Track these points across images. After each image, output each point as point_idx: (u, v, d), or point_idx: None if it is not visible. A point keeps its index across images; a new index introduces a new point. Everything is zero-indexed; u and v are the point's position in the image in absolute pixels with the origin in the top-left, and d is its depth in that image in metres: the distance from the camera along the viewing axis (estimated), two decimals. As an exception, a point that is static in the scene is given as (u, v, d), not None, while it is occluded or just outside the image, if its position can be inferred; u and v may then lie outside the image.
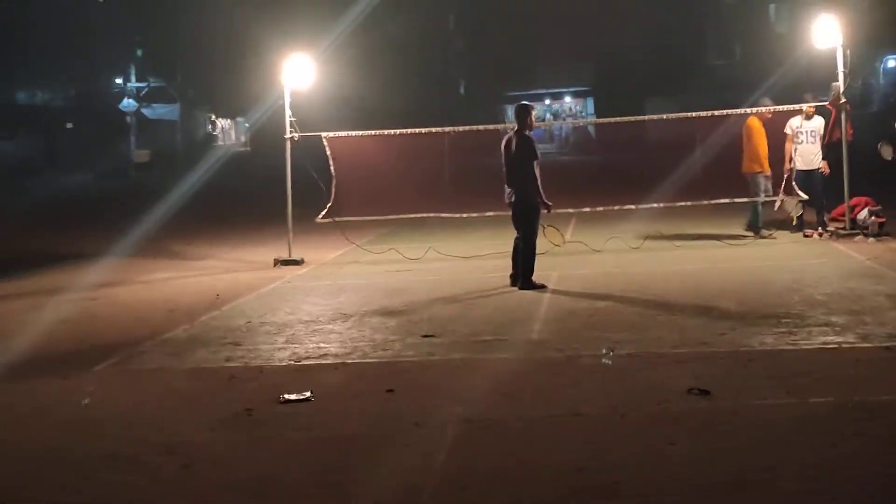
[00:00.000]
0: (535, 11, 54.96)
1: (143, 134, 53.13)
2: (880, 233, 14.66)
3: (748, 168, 15.48)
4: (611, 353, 8.34)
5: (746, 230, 15.69)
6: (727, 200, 15.92)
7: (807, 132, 15.37)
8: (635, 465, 5.78)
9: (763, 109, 15.60)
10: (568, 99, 66.95)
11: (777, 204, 15.64)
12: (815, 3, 24.05)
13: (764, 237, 15.32)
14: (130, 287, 13.91)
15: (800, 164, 15.38)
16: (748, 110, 16.01)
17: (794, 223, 15.73)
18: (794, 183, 15.30)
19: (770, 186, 15.42)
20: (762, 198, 15.40)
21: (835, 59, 15.16)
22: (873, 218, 14.81)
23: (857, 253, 13.42)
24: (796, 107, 15.51)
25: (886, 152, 14.52)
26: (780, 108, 15.61)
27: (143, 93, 54.24)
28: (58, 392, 8.22)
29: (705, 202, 16.26)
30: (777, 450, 5.92)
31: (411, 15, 46.15)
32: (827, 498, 5.20)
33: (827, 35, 15.24)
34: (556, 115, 65.34)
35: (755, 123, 15.48)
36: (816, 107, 15.44)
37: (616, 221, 17.04)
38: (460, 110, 50.96)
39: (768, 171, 15.35)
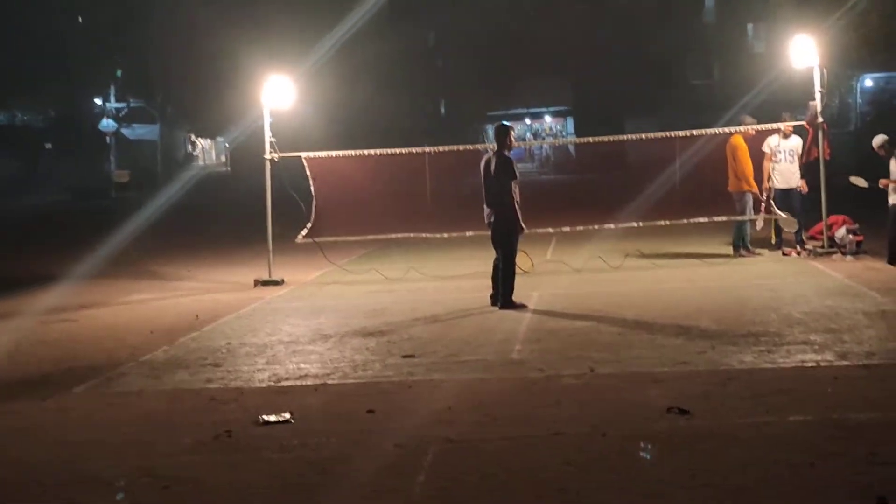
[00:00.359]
0: (515, 31, 55.19)
1: (123, 154, 53.04)
2: (858, 251, 14.77)
3: (735, 187, 15.47)
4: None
5: (736, 250, 15.60)
6: (706, 219, 16.00)
7: (785, 151, 15.49)
8: (615, 486, 5.79)
9: (747, 128, 15.68)
10: (548, 118, 67.18)
11: (759, 224, 15.73)
12: (792, 23, 24.21)
13: (752, 255, 15.35)
14: (110, 308, 13.85)
15: (778, 182, 15.49)
16: (731, 129, 16.08)
17: (773, 242, 15.83)
18: (772, 201, 15.39)
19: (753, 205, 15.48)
20: (749, 216, 15.44)
21: (812, 78, 15.29)
22: (851, 236, 14.92)
23: (835, 271, 13.51)
24: (774, 126, 15.63)
25: (860, 182, 14.65)
26: (759, 126, 15.71)
27: (123, 113, 54.19)
28: (37, 414, 8.18)
29: (685, 221, 16.31)
30: (755, 470, 5.94)
31: (392, 35, 46.26)
32: (806, 517, 5.23)
33: (804, 55, 15.39)
34: (536, 135, 65.52)
35: (740, 142, 15.53)
36: (794, 126, 15.57)
37: (596, 241, 17.11)
38: (441, 129, 51.11)
39: (756, 189, 15.40)
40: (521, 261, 13.77)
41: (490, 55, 55.16)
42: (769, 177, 15.51)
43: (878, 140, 14.21)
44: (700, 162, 16.92)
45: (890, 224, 13.89)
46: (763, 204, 15.51)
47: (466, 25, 52.45)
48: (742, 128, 15.73)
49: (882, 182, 14.00)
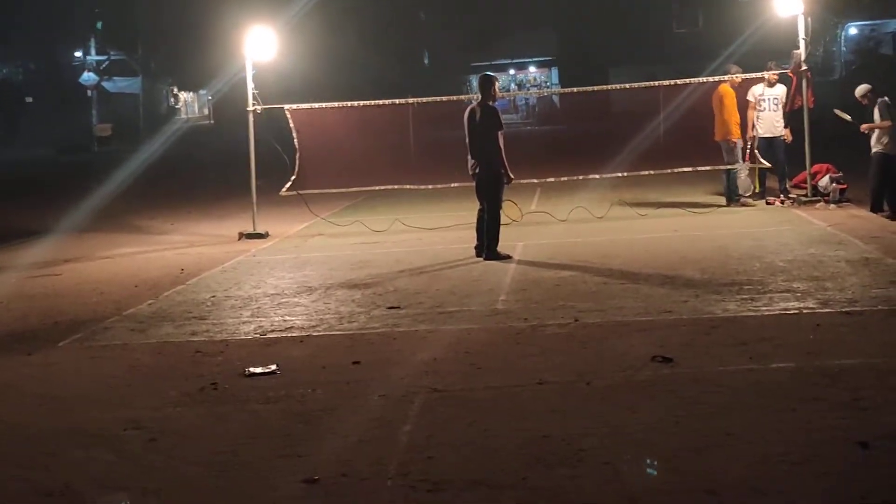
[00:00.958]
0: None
1: (105, 107, 52.62)
2: (841, 199, 14.82)
3: (722, 136, 15.40)
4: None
5: (729, 200, 15.53)
6: (690, 169, 16.01)
7: (769, 99, 15.47)
8: (599, 433, 5.83)
9: (733, 76, 15.61)
10: (532, 69, 66.79)
11: (744, 173, 15.72)
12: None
13: (745, 204, 15.33)
14: (94, 262, 13.82)
15: (762, 131, 15.49)
16: (717, 78, 16.02)
17: (757, 190, 15.86)
18: (756, 150, 15.38)
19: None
20: (740, 165, 15.41)
21: (796, 26, 15.24)
22: (834, 185, 14.97)
23: (819, 220, 13.56)
24: (759, 75, 15.59)
25: (844, 116, 14.63)
26: (745, 75, 15.66)
27: (104, 66, 53.66)
28: (22, 368, 8.18)
29: (669, 171, 16.31)
30: (738, 415, 6.00)
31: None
32: (786, 462, 5.27)
33: (788, 3, 15.31)
34: (520, 86, 65.19)
35: (727, 91, 15.44)
36: (779, 74, 15.53)
37: (581, 191, 17.12)
38: (425, 81, 50.78)
39: (740, 138, 15.33)
40: (510, 210, 13.81)
41: (473, 6, 54.71)
42: (753, 125, 15.50)
43: (861, 89, 14.20)
44: (685, 111, 16.88)
45: (872, 172, 13.92)
46: (748, 153, 15.50)
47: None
48: (728, 77, 15.67)
49: (864, 126, 14.01)
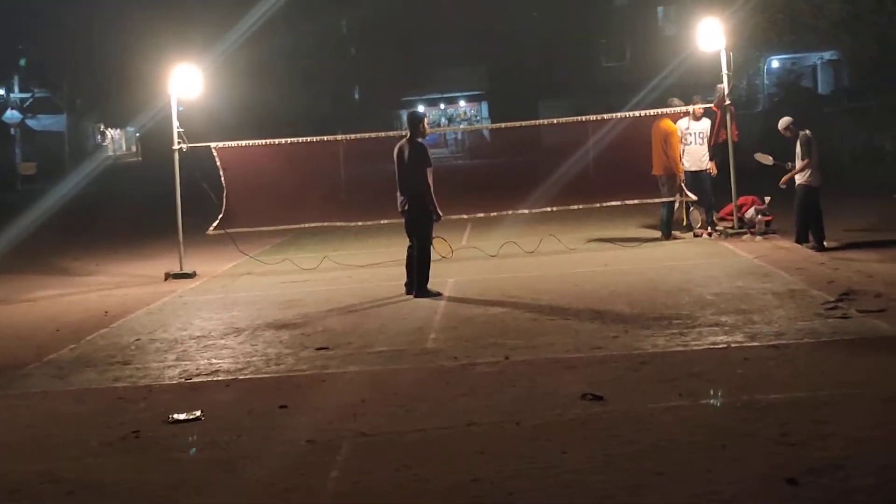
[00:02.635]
0: (428, 17, 55.08)
1: (29, 145, 51.72)
2: (767, 231, 15.00)
3: (667, 171, 15.45)
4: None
5: (666, 234, 15.60)
6: (618, 203, 16.12)
7: (695, 133, 15.63)
8: (530, 475, 5.76)
9: (677, 110, 15.69)
10: (462, 103, 67.20)
11: (676, 206, 15.82)
12: (701, 6, 24.48)
13: (676, 238, 15.41)
14: (14, 306, 13.48)
15: (688, 164, 15.63)
16: (656, 111, 16.10)
17: (685, 223, 16.00)
18: (682, 184, 15.52)
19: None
20: (678, 198, 15.50)
21: (719, 60, 15.46)
22: (760, 217, 15.15)
23: (746, 252, 13.69)
24: (684, 108, 15.76)
25: (765, 159, 14.85)
26: (670, 110, 15.81)
27: (28, 104, 52.81)
28: (-65, 420, 7.89)
29: (598, 205, 16.39)
30: (670, 453, 5.97)
31: (303, 23, 45.77)
32: (717, 500, 5.24)
33: (711, 38, 15.54)
34: (450, 120, 65.49)
35: (672, 127, 15.45)
36: (704, 108, 15.72)
37: (511, 226, 17.13)
38: (355, 116, 50.75)
39: (682, 174, 15.44)
40: (440, 247, 13.78)
41: (403, 42, 54.96)
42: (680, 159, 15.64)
43: (784, 122, 14.43)
44: (613, 145, 17.03)
45: (797, 204, 14.13)
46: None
47: (379, 12, 52.07)
48: (670, 109, 15.72)
49: (783, 180, 14.24)
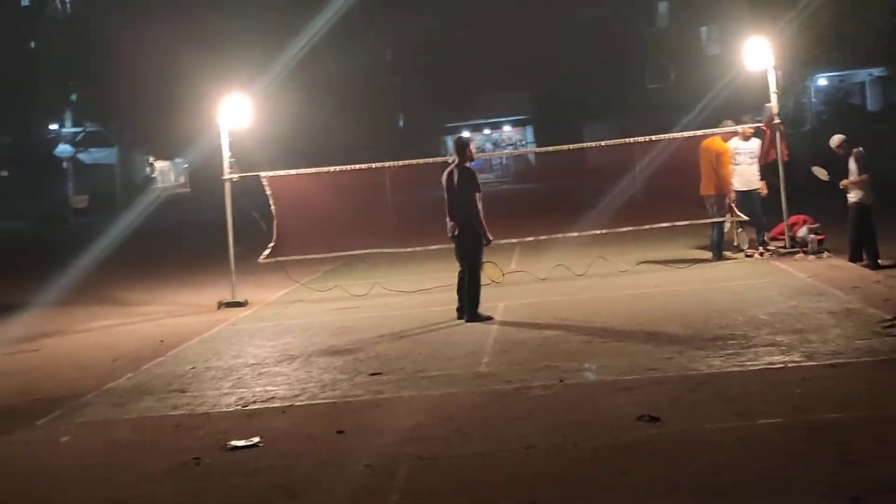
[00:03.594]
0: (471, 43, 55.36)
1: (81, 179, 52.58)
2: (819, 250, 14.84)
3: (715, 190, 15.32)
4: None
5: (717, 254, 15.48)
6: (667, 224, 16.05)
7: (745, 153, 15.56)
8: (590, 497, 5.75)
9: (726, 130, 15.63)
10: (507, 128, 67.35)
11: (727, 226, 15.76)
12: (746, 24, 24.42)
13: (728, 259, 15.32)
14: (72, 336, 13.67)
15: (738, 184, 15.55)
16: (703, 132, 16.06)
17: (736, 244, 15.89)
18: (732, 204, 15.43)
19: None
20: (728, 219, 15.45)
21: (766, 80, 15.39)
22: (812, 235, 15.00)
23: (799, 271, 13.57)
24: (733, 129, 15.69)
25: (821, 174, 14.72)
26: (719, 130, 15.75)
27: (79, 138, 53.68)
28: (1, 448, 8.02)
29: (646, 227, 16.33)
30: (728, 474, 5.93)
31: (349, 51, 46.19)
32: (780, 521, 5.21)
33: (757, 57, 15.48)
34: (496, 145, 65.62)
35: (724, 147, 15.38)
36: (754, 128, 15.64)
37: (560, 249, 17.11)
38: (401, 143, 51.03)
39: (733, 194, 15.40)
40: (490, 271, 13.80)
41: (447, 68, 55.26)
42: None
43: (836, 140, 14.30)
44: (661, 166, 16.99)
45: (850, 222, 13.99)
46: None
47: (423, 40, 52.44)
48: (719, 130, 15.65)
49: (844, 182, 14.07)
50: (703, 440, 6.60)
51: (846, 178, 14.04)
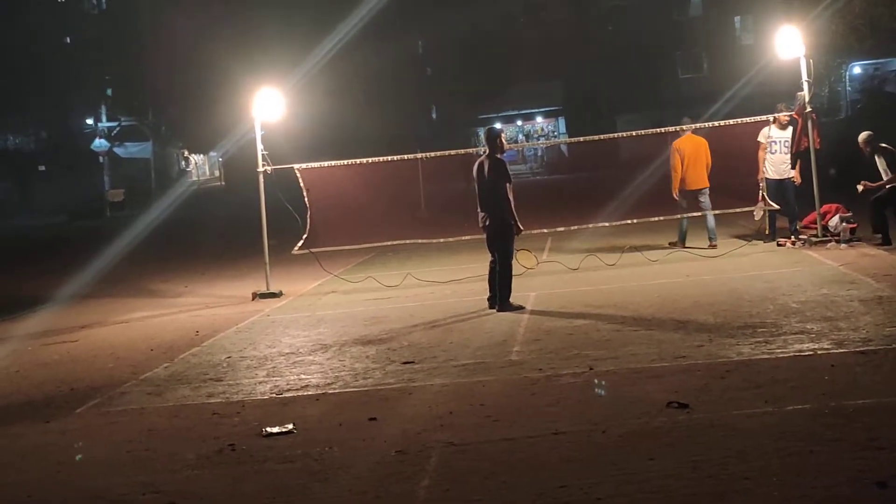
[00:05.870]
0: (502, 34, 55.28)
1: (117, 173, 53.15)
2: (852, 238, 14.82)
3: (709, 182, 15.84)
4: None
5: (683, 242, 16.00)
6: (699, 214, 16.05)
7: (780, 142, 15.54)
8: (616, 481, 5.83)
9: (780, 116, 15.68)
10: (539, 119, 67.27)
11: (757, 215, 15.80)
12: (779, 14, 24.27)
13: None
14: (110, 327, 13.89)
15: (771, 173, 15.53)
16: (727, 122, 16.15)
17: (767, 232, 15.88)
18: (764, 192, 15.43)
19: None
20: (760, 207, 15.62)
21: (799, 68, 15.35)
22: (844, 224, 14.96)
23: (830, 260, 13.55)
24: (767, 117, 15.67)
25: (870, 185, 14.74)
26: (750, 119, 15.75)
27: (115, 132, 54.23)
28: (40, 436, 8.21)
29: (678, 216, 16.34)
30: (756, 459, 5.98)
31: (380, 44, 46.29)
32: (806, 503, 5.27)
33: (790, 46, 15.43)
34: (528, 136, 65.57)
35: (702, 140, 15.94)
36: (789, 116, 15.60)
37: (591, 239, 17.16)
38: (433, 135, 51.14)
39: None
40: (525, 259, 13.91)
41: (478, 60, 55.20)
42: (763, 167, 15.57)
43: (863, 137, 14.29)
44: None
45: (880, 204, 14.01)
46: (760, 195, 15.56)
47: (454, 32, 52.42)
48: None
49: (860, 187, 14.13)
50: (732, 426, 6.65)
51: (873, 175, 14.08)
